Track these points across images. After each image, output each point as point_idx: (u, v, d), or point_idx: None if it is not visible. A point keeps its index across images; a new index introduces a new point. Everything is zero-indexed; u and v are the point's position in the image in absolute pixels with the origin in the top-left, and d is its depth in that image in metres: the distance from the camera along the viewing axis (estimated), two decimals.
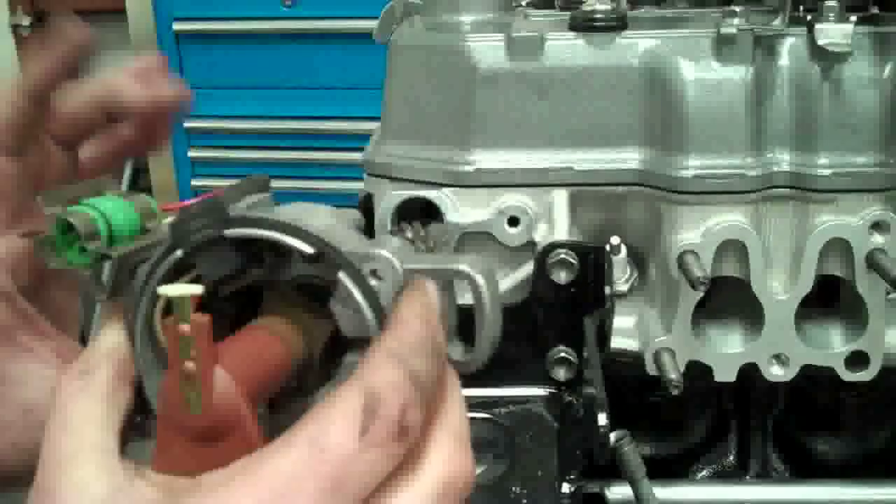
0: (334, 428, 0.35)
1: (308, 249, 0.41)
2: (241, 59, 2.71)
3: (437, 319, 0.40)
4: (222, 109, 2.73)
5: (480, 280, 0.44)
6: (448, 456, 0.38)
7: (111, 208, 0.44)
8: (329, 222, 0.43)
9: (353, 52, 2.60)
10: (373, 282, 0.41)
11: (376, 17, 0.92)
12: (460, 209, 0.75)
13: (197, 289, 0.37)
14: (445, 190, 0.75)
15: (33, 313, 0.49)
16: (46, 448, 0.39)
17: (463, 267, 0.43)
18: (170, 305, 0.38)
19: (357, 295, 0.41)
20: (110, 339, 0.42)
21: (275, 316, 0.43)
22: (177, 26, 2.74)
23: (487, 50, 0.75)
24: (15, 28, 3.74)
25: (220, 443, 0.37)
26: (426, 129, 0.77)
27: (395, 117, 0.80)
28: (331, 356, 0.45)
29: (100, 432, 0.39)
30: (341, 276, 0.41)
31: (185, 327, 0.36)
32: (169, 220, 0.44)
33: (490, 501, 0.67)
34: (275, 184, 0.48)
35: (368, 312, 0.41)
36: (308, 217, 0.42)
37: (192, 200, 0.43)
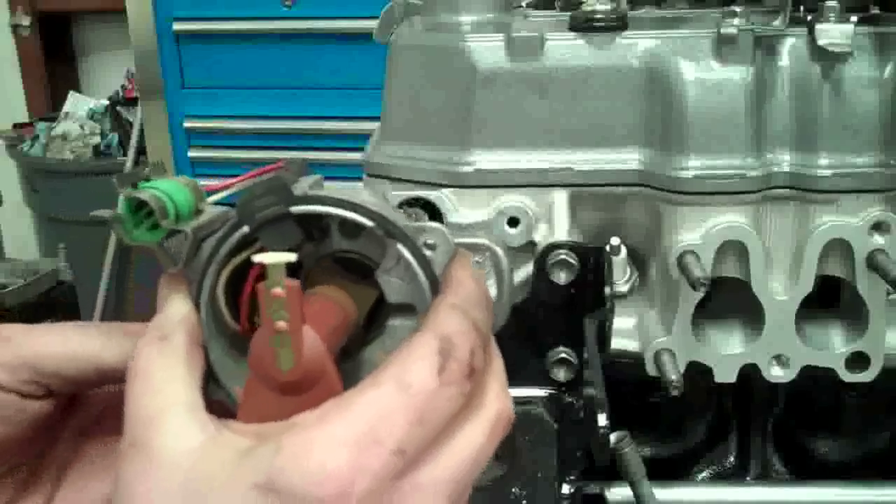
0: (416, 368, 0.40)
1: (369, 223, 0.44)
2: (241, 59, 2.70)
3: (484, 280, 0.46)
4: (222, 109, 2.73)
5: (500, 252, 0.51)
6: (497, 395, 0.44)
7: (171, 189, 0.46)
8: (376, 200, 0.46)
9: (353, 52, 2.59)
10: (427, 252, 0.45)
11: (376, 17, 0.92)
12: (460, 209, 0.75)
13: (291, 256, 0.41)
14: (445, 190, 0.75)
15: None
16: (132, 408, 0.42)
17: (484, 240, 0.50)
18: (241, 269, 0.44)
19: (414, 264, 0.45)
20: (180, 307, 0.45)
21: (326, 286, 0.47)
22: (177, 26, 2.74)
23: (487, 50, 0.75)
24: (15, 28, 3.74)
25: (305, 394, 0.41)
26: (426, 129, 0.77)
27: (395, 117, 0.80)
28: (369, 322, 0.48)
29: (184, 390, 0.42)
30: (399, 247, 0.45)
31: (279, 290, 0.40)
32: (217, 197, 0.48)
33: (490, 502, 0.67)
34: None
35: (424, 280, 0.45)
36: (358, 196, 0.45)
37: (243, 179, 0.48)
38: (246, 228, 0.44)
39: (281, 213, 0.44)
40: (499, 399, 0.44)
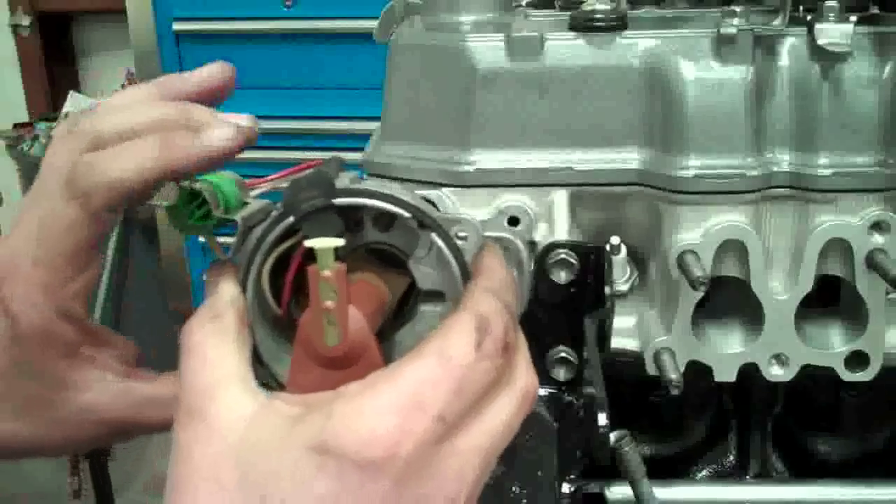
0: (456, 342, 0.43)
1: (406, 214, 0.48)
2: (241, 59, 2.67)
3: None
4: (222, 109, 2.73)
5: (521, 245, 0.56)
6: (525, 371, 0.47)
7: (220, 182, 0.51)
8: (410, 194, 0.50)
9: (353, 52, 2.60)
10: (459, 242, 0.49)
11: (376, 17, 0.92)
12: (460, 209, 0.75)
13: (339, 241, 0.45)
14: (445, 190, 0.75)
15: (97, 327, 0.53)
16: (188, 380, 0.45)
17: (505, 234, 0.55)
18: (284, 256, 0.48)
19: (447, 252, 0.49)
20: (229, 290, 0.48)
21: (362, 273, 0.50)
22: (177, 26, 2.74)
23: (487, 50, 0.75)
24: (15, 28, 3.74)
25: (349, 369, 0.45)
26: (426, 129, 0.77)
27: (395, 117, 0.80)
28: (399, 308, 0.52)
29: (236, 364, 0.46)
30: (434, 236, 0.49)
31: (327, 273, 0.44)
32: (258, 191, 0.53)
33: (490, 501, 0.67)
34: None
35: (455, 267, 0.49)
36: (393, 190, 0.49)
37: (280, 175, 0.53)
38: (291, 219, 0.48)
39: (324, 204, 0.48)
40: (527, 375, 0.47)
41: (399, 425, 0.41)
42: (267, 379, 0.49)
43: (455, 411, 0.43)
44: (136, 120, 0.51)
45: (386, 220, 0.50)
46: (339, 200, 0.48)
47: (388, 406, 0.41)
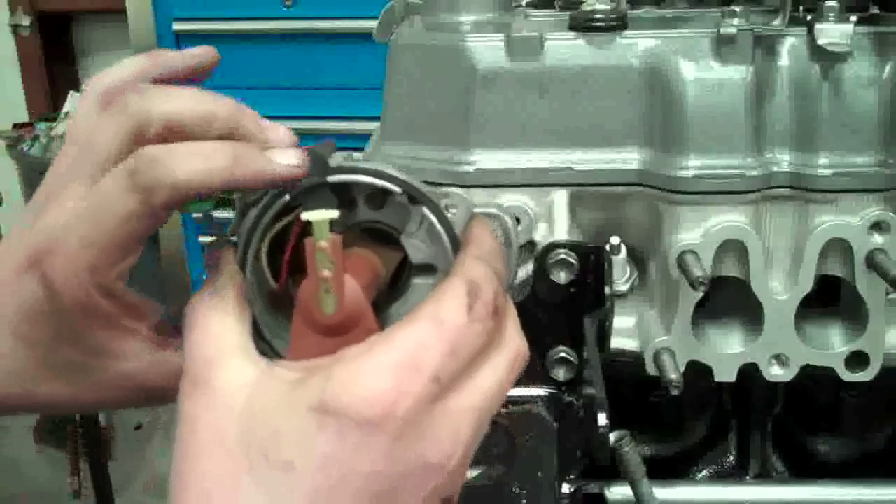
0: (448, 306, 0.45)
1: (398, 189, 0.50)
2: (241, 60, 2.70)
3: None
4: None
5: (509, 221, 0.61)
6: (515, 334, 0.49)
7: None
8: (401, 171, 0.51)
9: (353, 52, 2.60)
10: (448, 215, 0.51)
11: (376, 17, 0.92)
12: None
13: (334, 213, 0.46)
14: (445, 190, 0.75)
15: (136, 299, 0.55)
16: (192, 352, 0.47)
17: (494, 210, 0.60)
18: (281, 234, 0.50)
19: (438, 225, 0.51)
20: (229, 268, 0.51)
21: (357, 248, 0.52)
22: (177, 26, 2.74)
23: (487, 50, 0.75)
24: (15, 28, 3.74)
25: (346, 335, 0.47)
26: (426, 129, 0.77)
27: (395, 117, 0.80)
28: (392, 283, 0.54)
29: (237, 336, 0.48)
30: (425, 210, 0.51)
31: (324, 244, 0.46)
32: None
33: (490, 501, 0.67)
34: None
35: (446, 239, 0.51)
36: (385, 167, 0.51)
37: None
38: (287, 197, 0.50)
39: (319, 182, 0.50)
40: (517, 338, 0.49)
41: (396, 385, 0.43)
42: (266, 352, 0.50)
43: (449, 372, 0.44)
44: (185, 113, 0.51)
45: (378, 199, 0.52)
46: (333, 178, 0.50)
47: (385, 367, 0.43)
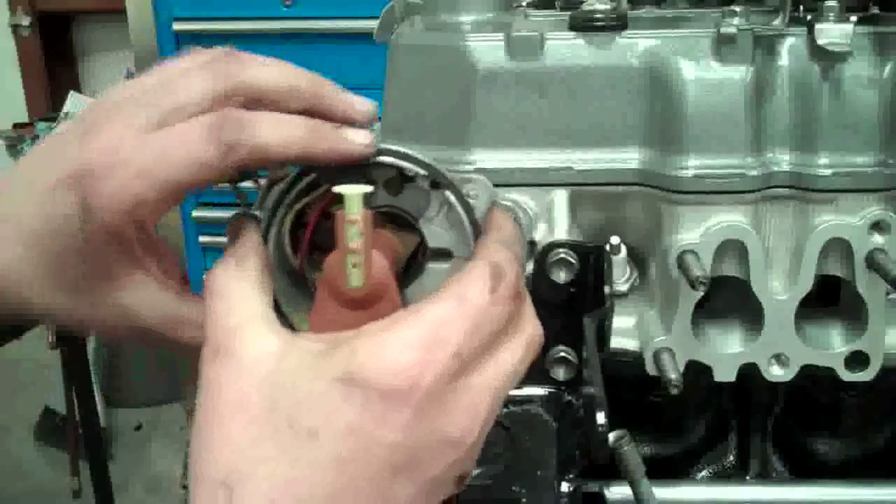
0: (472, 286, 0.47)
1: (423, 172, 0.52)
2: None
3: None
4: None
5: (522, 214, 0.66)
6: (531, 319, 0.50)
7: None
8: (425, 156, 0.53)
9: (353, 52, 2.59)
10: (471, 201, 0.53)
11: (376, 17, 0.92)
12: None
13: (367, 188, 0.48)
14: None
15: (155, 238, 0.56)
16: (214, 321, 0.48)
17: (509, 203, 0.64)
18: (301, 213, 0.52)
19: (461, 211, 0.53)
20: (252, 239, 0.52)
21: (377, 229, 0.52)
22: (177, 26, 2.74)
23: (487, 50, 0.75)
24: (15, 28, 3.74)
25: (370, 309, 0.49)
26: (426, 128, 0.77)
27: (395, 117, 0.80)
28: (406, 267, 0.56)
29: (260, 306, 0.48)
30: (448, 194, 0.53)
31: (355, 217, 0.47)
32: None
33: (490, 501, 0.67)
34: None
35: (468, 224, 0.53)
36: (408, 150, 0.53)
37: None
38: (313, 174, 0.52)
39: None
40: (533, 323, 0.50)
41: (420, 359, 0.44)
42: (285, 326, 0.50)
43: (470, 350, 0.45)
44: (271, 83, 0.54)
45: (397, 184, 0.54)
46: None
47: (410, 341, 0.44)
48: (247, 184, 0.55)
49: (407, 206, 0.54)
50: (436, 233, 0.54)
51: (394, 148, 0.52)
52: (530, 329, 0.50)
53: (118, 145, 0.51)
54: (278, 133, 0.51)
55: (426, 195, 0.53)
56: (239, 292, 0.49)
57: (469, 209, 0.53)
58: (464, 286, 0.47)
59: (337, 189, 0.48)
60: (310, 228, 0.52)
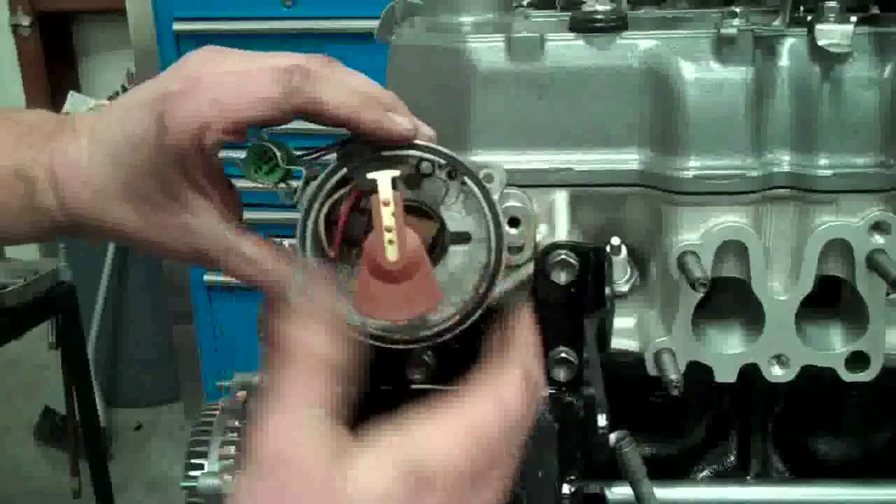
0: (510, 392, 0.51)
1: (443, 161, 0.58)
2: None
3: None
4: None
5: (525, 195, 0.66)
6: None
7: (280, 143, 0.61)
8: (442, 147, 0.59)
9: (353, 52, 2.59)
10: (487, 185, 0.59)
11: (376, 17, 0.92)
12: None
13: (396, 172, 0.56)
14: None
15: (220, 171, 0.62)
16: (268, 431, 0.47)
17: (519, 203, 0.65)
18: (334, 206, 0.58)
19: (479, 195, 0.58)
20: (321, 346, 0.51)
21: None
22: (177, 26, 2.74)
23: (487, 51, 0.75)
24: (15, 28, 3.74)
25: (408, 282, 0.55)
26: None
27: None
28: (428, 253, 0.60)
29: (318, 419, 0.48)
30: (467, 180, 0.58)
31: (388, 197, 0.54)
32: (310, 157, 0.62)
33: None
34: None
35: (485, 206, 0.59)
36: (428, 142, 0.59)
37: (325, 148, 0.62)
38: (346, 169, 0.57)
39: (375, 156, 0.58)
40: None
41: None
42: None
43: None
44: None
45: (415, 179, 0.58)
46: (386, 152, 0.58)
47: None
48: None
49: (425, 197, 0.59)
50: (455, 218, 0.59)
51: (416, 142, 0.58)
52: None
53: (200, 76, 0.58)
54: (335, 94, 0.57)
55: (444, 185, 0.58)
56: (298, 401, 0.48)
57: (487, 193, 0.58)
58: (501, 391, 0.51)
59: (370, 175, 0.55)
60: (342, 220, 0.57)
